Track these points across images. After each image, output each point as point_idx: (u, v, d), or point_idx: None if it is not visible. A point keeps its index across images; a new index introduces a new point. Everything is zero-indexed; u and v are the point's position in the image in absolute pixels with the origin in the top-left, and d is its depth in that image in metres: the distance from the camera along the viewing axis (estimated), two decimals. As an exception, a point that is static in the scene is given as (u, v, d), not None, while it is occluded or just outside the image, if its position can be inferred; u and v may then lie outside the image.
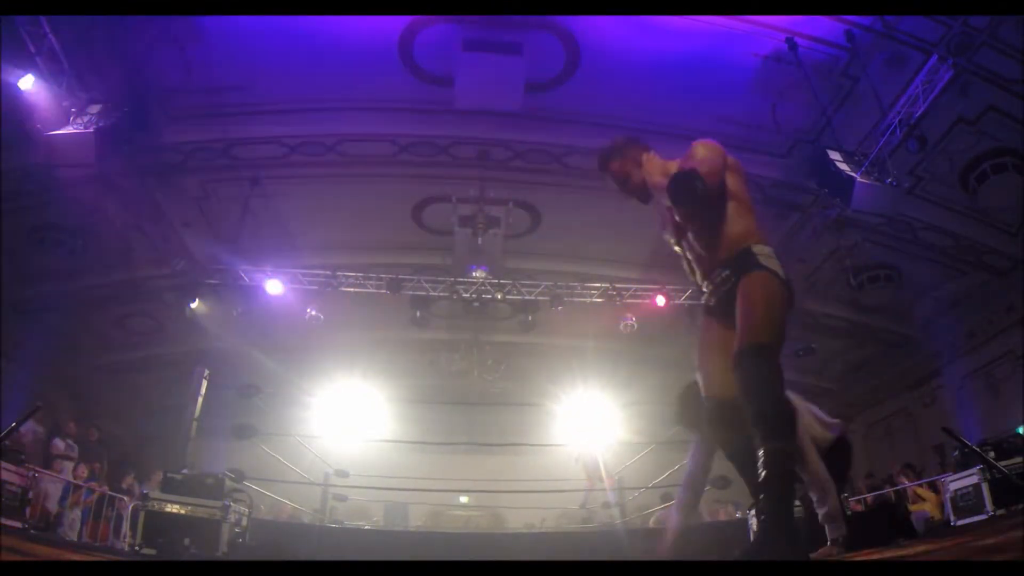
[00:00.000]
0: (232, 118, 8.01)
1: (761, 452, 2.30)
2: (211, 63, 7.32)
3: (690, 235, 2.83)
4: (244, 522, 6.91)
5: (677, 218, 2.85)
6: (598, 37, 7.16)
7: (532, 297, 9.78)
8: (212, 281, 9.41)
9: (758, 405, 2.37)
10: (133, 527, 6.53)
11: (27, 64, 6.05)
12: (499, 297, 9.83)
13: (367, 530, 8.54)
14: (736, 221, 2.72)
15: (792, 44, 6.96)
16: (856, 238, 9.24)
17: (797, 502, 3.22)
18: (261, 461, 8.41)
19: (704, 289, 2.85)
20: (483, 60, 7.04)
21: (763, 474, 2.27)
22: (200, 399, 7.87)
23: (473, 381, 12.36)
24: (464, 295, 9.75)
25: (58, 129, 6.26)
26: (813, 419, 3.33)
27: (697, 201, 2.55)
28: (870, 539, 2.67)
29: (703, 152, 2.71)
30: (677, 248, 2.97)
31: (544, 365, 11.79)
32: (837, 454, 3.28)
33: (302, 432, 9.56)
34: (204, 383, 7.99)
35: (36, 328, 9.81)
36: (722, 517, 10.62)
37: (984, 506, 5.89)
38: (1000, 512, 5.69)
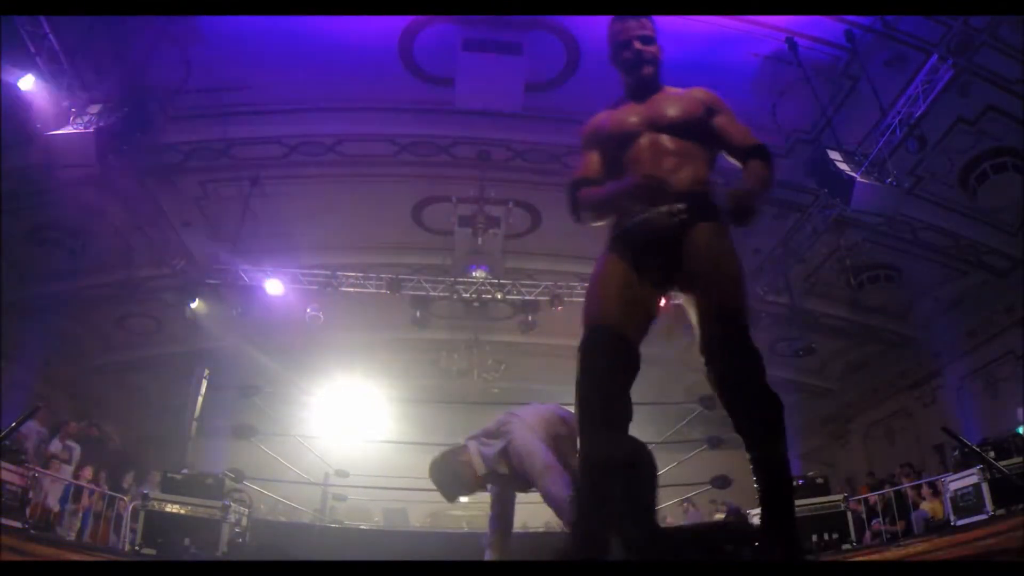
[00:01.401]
0: (232, 118, 8.00)
1: (761, 457, 2.07)
2: (211, 63, 7.32)
3: (657, 142, 2.35)
4: (244, 522, 6.91)
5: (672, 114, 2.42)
6: (598, 37, 7.11)
7: (532, 297, 9.78)
8: (212, 281, 9.41)
9: (756, 403, 2.07)
10: (133, 527, 6.53)
11: (27, 64, 6.04)
12: (499, 297, 9.83)
13: (367, 530, 8.53)
14: (709, 170, 2.39)
15: (792, 44, 6.95)
16: (856, 238, 9.24)
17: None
18: (261, 461, 8.41)
19: (635, 216, 2.29)
20: (483, 60, 7.04)
21: (767, 481, 2.05)
22: (200, 399, 7.88)
23: (473, 381, 12.35)
24: (464, 295, 9.75)
25: (58, 129, 6.26)
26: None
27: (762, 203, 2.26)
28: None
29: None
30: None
31: (544, 365, 11.78)
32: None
33: (302, 432, 9.56)
34: (204, 383, 8.00)
35: (36, 328, 9.81)
36: (718, 518, 10.63)
37: (984, 506, 5.89)
38: (1000, 512, 5.70)
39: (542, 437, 3.04)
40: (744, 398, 2.09)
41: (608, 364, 2.17)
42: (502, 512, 3.38)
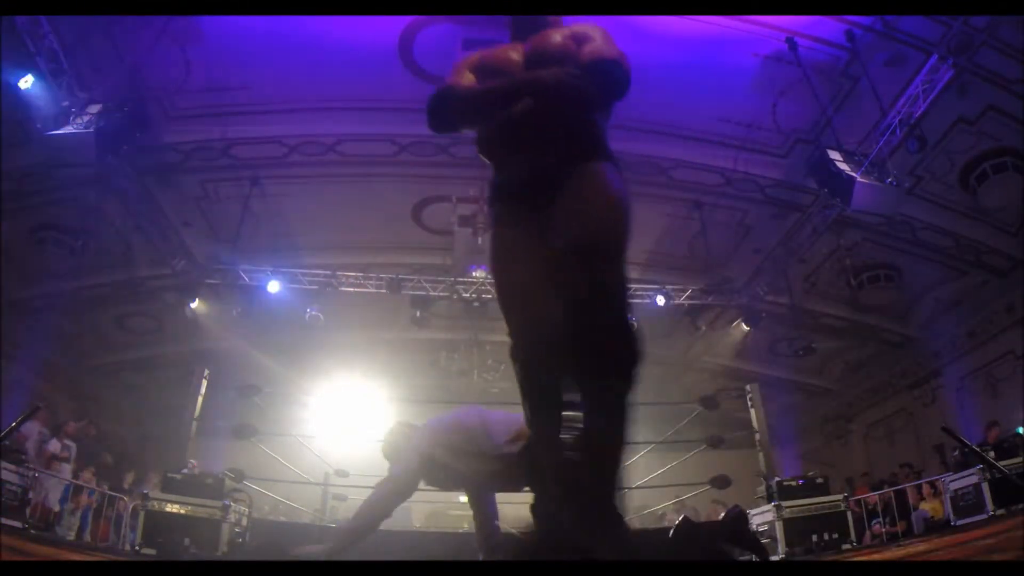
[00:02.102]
0: (232, 118, 8.00)
1: (601, 389, 1.77)
2: (211, 63, 7.31)
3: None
4: (244, 522, 6.91)
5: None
6: (598, 37, 7.15)
7: (532, 297, 9.76)
8: (212, 281, 9.41)
9: (607, 321, 1.77)
10: (133, 527, 6.53)
11: (27, 64, 6.04)
12: (499, 297, 9.81)
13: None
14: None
15: (792, 44, 6.95)
16: (856, 238, 9.24)
17: None
18: (261, 461, 8.41)
19: (514, 179, 2.14)
20: (483, 60, 7.04)
21: (602, 420, 1.75)
22: (200, 399, 7.86)
23: (473, 381, 12.35)
24: (464, 295, 9.74)
25: (58, 129, 6.25)
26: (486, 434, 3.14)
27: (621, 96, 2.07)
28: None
29: (606, 35, 2.21)
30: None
31: (544, 365, 11.77)
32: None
33: (302, 432, 9.55)
34: (204, 383, 7.99)
35: (36, 328, 9.81)
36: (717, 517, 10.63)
37: (984, 506, 5.89)
38: (1000, 512, 5.69)
39: (424, 448, 3.19)
40: (594, 332, 1.77)
41: (551, 371, 1.91)
42: (480, 512, 3.40)
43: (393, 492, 3.23)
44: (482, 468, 3.07)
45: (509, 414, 3.19)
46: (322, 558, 2.97)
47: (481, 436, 3.09)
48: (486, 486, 3.28)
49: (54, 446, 7.87)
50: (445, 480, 3.30)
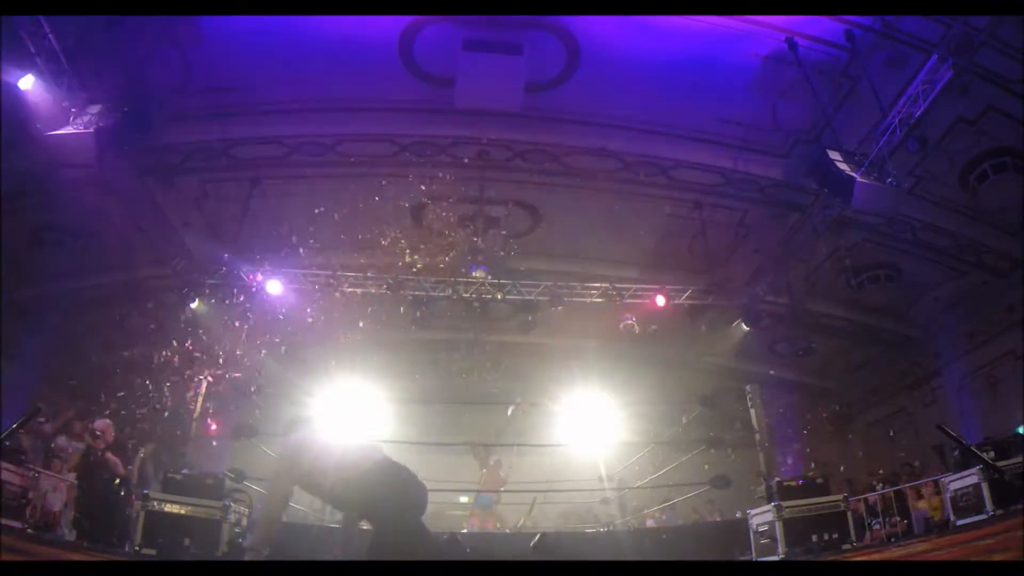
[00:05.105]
0: (232, 118, 8.01)
1: None
2: (211, 63, 7.32)
3: None
4: (244, 522, 6.91)
5: None
6: (598, 37, 7.15)
7: (532, 297, 9.77)
8: (212, 281, 9.41)
9: None
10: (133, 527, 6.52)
11: (27, 64, 6.04)
12: (499, 297, 9.82)
13: (367, 530, 8.52)
14: None
15: (792, 44, 6.96)
16: (856, 238, 9.24)
17: None
18: (261, 461, 8.41)
19: None
20: (483, 60, 7.04)
21: None
22: (200, 399, 7.87)
23: (473, 381, 12.34)
24: (464, 295, 9.74)
25: (58, 129, 6.25)
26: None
27: None
28: None
29: None
30: None
31: (544, 365, 11.78)
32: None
33: (302, 432, 9.55)
34: (204, 383, 7.99)
35: (36, 328, 9.81)
36: (717, 518, 10.64)
37: (984, 506, 5.88)
38: (1000, 512, 5.69)
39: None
40: None
41: None
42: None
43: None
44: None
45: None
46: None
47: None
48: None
49: (61, 443, 7.86)
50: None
